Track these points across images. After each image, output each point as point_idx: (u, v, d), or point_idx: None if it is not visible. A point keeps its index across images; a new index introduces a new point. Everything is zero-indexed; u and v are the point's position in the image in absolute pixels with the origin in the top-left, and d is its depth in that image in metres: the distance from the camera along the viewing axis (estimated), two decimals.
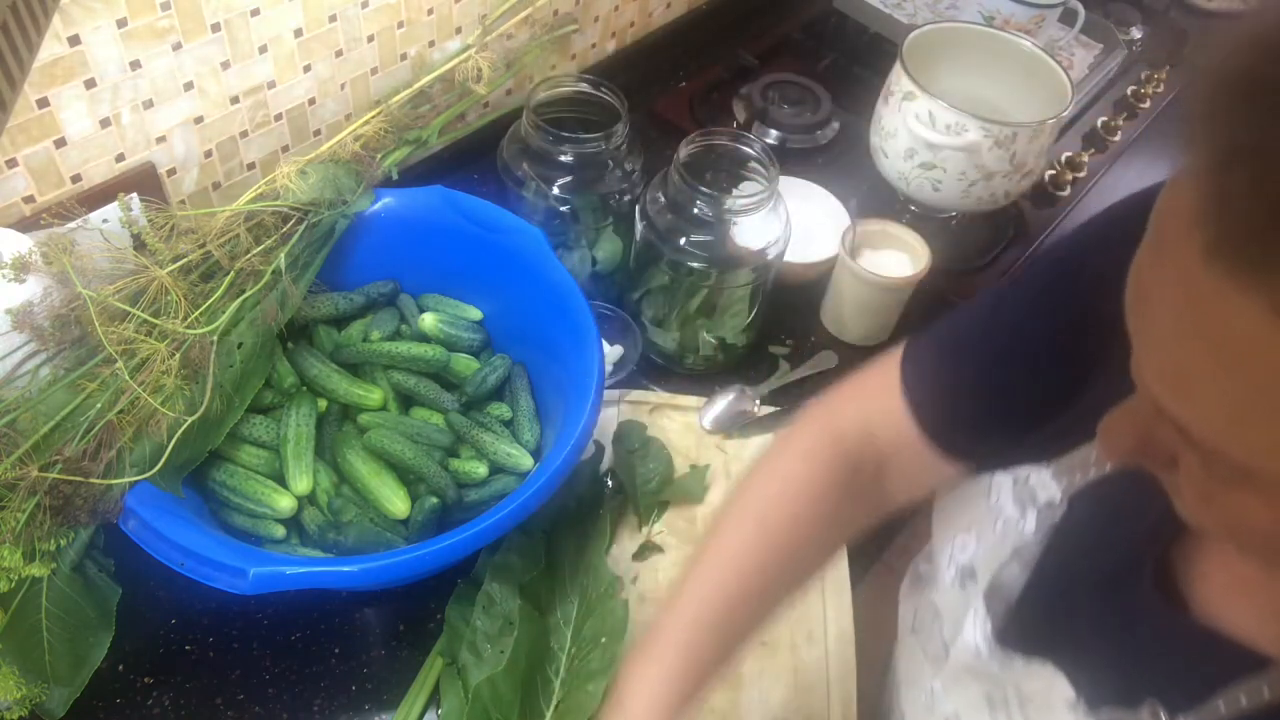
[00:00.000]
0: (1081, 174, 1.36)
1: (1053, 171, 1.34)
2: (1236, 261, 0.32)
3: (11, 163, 0.83)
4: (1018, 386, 0.60)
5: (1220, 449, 0.36)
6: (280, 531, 0.83)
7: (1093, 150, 1.40)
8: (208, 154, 0.97)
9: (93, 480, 0.71)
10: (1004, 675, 0.56)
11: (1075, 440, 0.56)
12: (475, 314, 0.99)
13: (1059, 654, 0.54)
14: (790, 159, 1.28)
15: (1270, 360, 0.32)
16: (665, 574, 0.89)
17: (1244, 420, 0.35)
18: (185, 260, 0.82)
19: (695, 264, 0.96)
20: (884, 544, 0.96)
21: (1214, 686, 0.46)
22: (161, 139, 0.92)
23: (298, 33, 0.96)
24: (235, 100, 0.95)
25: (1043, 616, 0.57)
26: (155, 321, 0.77)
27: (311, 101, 1.03)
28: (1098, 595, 0.54)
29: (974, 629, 0.58)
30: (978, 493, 0.61)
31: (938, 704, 0.61)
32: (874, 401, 0.67)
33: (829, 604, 0.88)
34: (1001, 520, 0.59)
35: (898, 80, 1.12)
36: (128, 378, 0.74)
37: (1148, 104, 1.49)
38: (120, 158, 0.90)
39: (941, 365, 0.64)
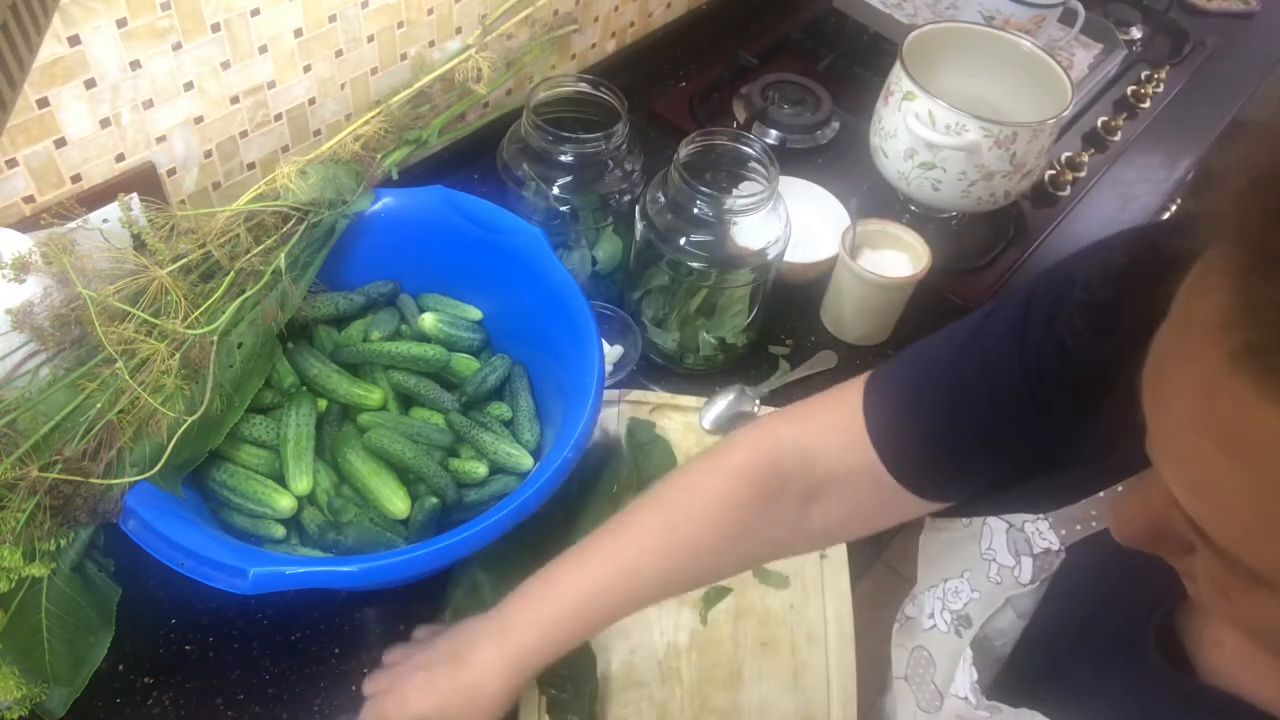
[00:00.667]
0: (1081, 174, 1.36)
1: (1053, 171, 1.34)
2: (1264, 371, 0.30)
3: (11, 163, 0.83)
4: (985, 428, 0.58)
5: (1238, 557, 0.35)
6: (280, 531, 0.83)
7: (1093, 150, 1.40)
8: (208, 154, 0.97)
9: (93, 480, 0.71)
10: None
11: (1074, 495, 0.55)
12: (475, 314, 0.99)
13: (1050, 707, 0.52)
14: (790, 159, 1.28)
15: None
16: None
17: (1263, 533, 0.33)
18: (185, 260, 0.82)
19: (695, 264, 0.96)
20: (884, 544, 0.96)
21: None
22: (161, 139, 0.92)
23: (298, 33, 0.96)
24: (235, 100, 0.95)
25: (1037, 669, 0.56)
26: (155, 321, 0.77)
27: (311, 101, 1.03)
28: (1097, 652, 0.53)
29: (964, 677, 0.57)
30: (967, 537, 0.60)
31: None
32: (823, 432, 0.64)
33: (829, 604, 0.88)
34: (996, 566, 0.58)
35: (898, 80, 1.12)
36: (128, 378, 0.74)
37: (1148, 104, 1.49)
38: (120, 158, 0.90)
39: (905, 401, 0.61)
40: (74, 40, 0.80)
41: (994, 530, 0.58)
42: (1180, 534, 0.38)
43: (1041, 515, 0.56)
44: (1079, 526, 0.54)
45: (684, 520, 0.66)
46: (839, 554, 0.92)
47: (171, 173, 0.95)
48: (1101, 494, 0.54)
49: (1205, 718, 0.47)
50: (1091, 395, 0.49)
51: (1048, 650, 0.56)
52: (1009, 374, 0.56)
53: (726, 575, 0.73)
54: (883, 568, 0.96)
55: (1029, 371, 0.55)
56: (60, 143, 0.85)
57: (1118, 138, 1.43)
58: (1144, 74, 1.53)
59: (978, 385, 0.58)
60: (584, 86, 1.07)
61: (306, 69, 0.99)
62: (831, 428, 0.64)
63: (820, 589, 0.89)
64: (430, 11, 1.07)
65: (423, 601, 0.85)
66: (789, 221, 0.98)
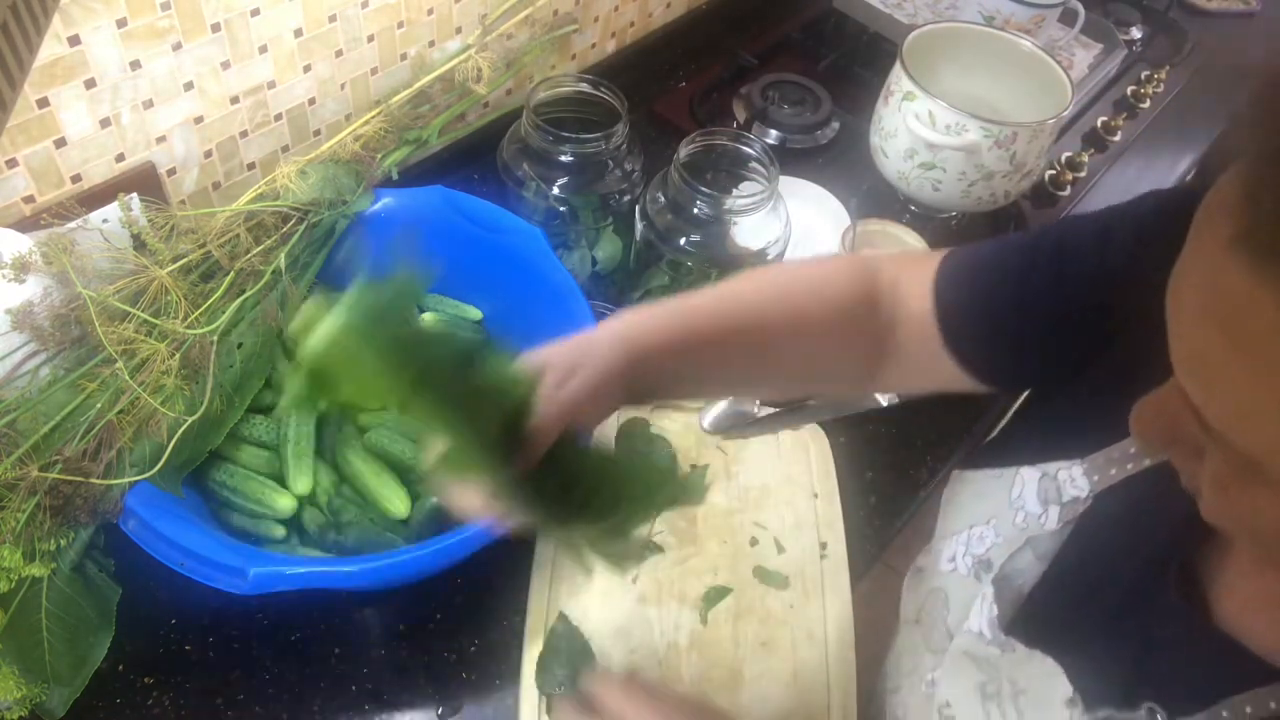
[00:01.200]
0: (1081, 174, 1.36)
1: (1053, 171, 1.34)
2: (1259, 252, 0.33)
3: (11, 163, 0.83)
4: (1041, 322, 0.61)
5: (1230, 439, 0.37)
6: (280, 531, 0.83)
7: (1093, 150, 1.40)
8: (208, 154, 0.97)
9: (93, 480, 0.71)
10: (1002, 662, 0.56)
11: (1110, 436, 0.57)
12: (475, 314, 0.99)
13: (1062, 647, 0.54)
14: (790, 159, 1.28)
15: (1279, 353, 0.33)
16: (665, 573, 0.89)
17: (1253, 412, 0.36)
18: (185, 260, 0.82)
19: (695, 264, 0.96)
20: (884, 544, 0.96)
21: (1221, 693, 0.46)
22: (161, 139, 0.92)
23: (298, 33, 0.96)
24: (235, 100, 0.95)
25: (1054, 608, 0.57)
26: (155, 321, 0.77)
27: (311, 101, 1.03)
28: (1116, 593, 0.54)
29: (980, 614, 0.59)
30: (998, 487, 0.62)
31: (935, 694, 0.62)
32: (910, 275, 0.68)
33: (829, 604, 0.88)
34: (1023, 514, 0.59)
35: (898, 80, 1.12)
36: (128, 378, 0.74)
37: (1148, 104, 1.49)
38: (120, 158, 0.90)
39: (975, 277, 0.65)
40: (74, 40, 0.80)
41: (1026, 480, 0.60)
42: (1191, 435, 0.41)
43: (1077, 460, 0.58)
44: (1113, 470, 0.56)
45: (800, 292, 0.67)
46: (839, 554, 0.92)
47: (171, 173, 0.95)
48: (1134, 446, 0.56)
49: (1210, 661, 0.49)
50: (1144, 320, 0.49)
51: (1066, 592, 0.57)
52: (1080, 278, 0.59)
53: (812, 374, 0.71)
54: (883, 568, 0.96)
55: (1097, 277, 0.58)
56: (60, 143, 0.85)
57: (1118, 138, 1.43)
58: (1144, 74, 1.53)
59: (1047, 273, 0.61)
60: (584, 86, 1.07)
61: (306, 69, 0.99)
62: (916, 276, 0.67)
63: (820, 589, 0.89)
64: (430, 11, 1.07)
65: (423, 601, 0.85)
66: (789, 221, 0.98)
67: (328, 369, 0.45)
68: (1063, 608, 0.57)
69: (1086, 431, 0.58)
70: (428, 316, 0.95)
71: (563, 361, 0.59)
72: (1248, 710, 0.46)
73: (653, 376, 0.62)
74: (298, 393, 0.47)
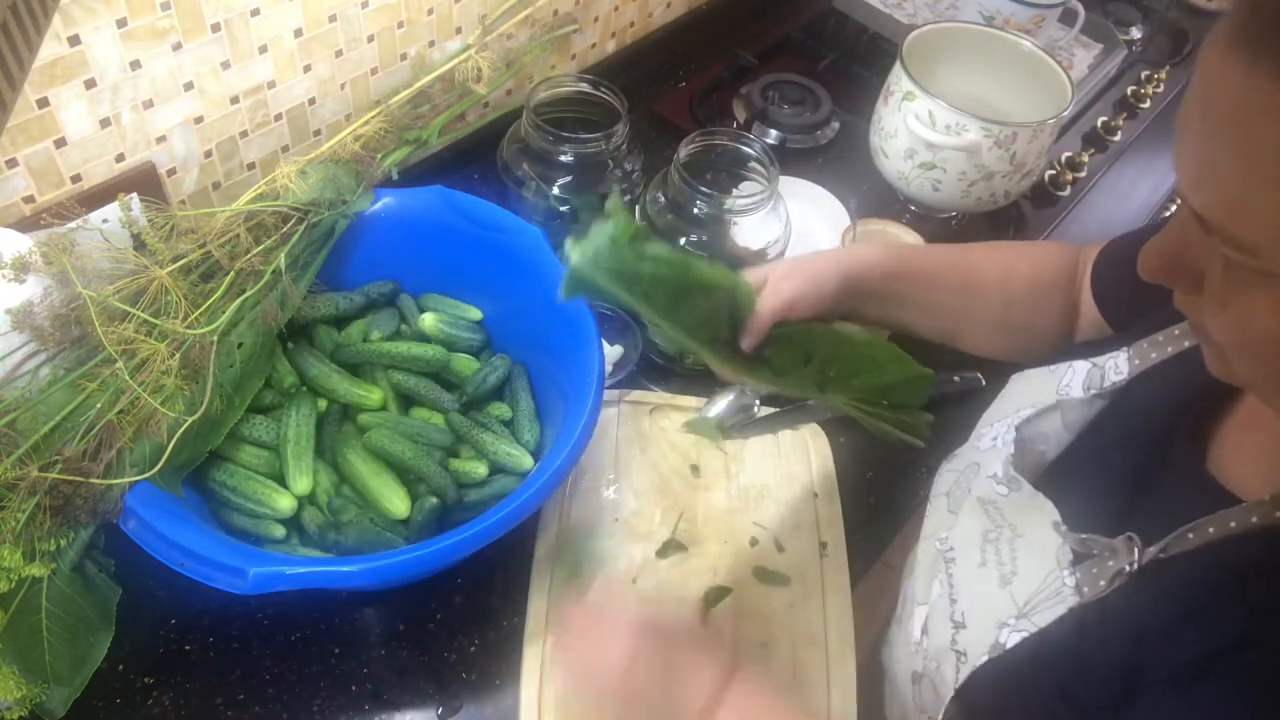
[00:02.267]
0: (1081, 174, 1.36)
1: (1053, 171, 1.34)
2: (1252, 44, 0.39)
3: (11, 163, 0.83)
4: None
5: (1232, 232, 0.42)
6: (280, 531, 0.83)
7: (1093, 150, 1.40)
8: (208, 154, 0.97)
9: (93, 480, 0.71)
10: (1006, 505, 0.63)
11: (1161, 324, 0.64)
12: (475, 314, 0.99)
13: (1068, 492, 0.60)
14: (790, 159, 1.28)
15: (1273, 133, 0.39)
16: (665, 573, 0.89)
17: (1250, 198, 0.41)
18: (185, 260, 0.82)
19: None
20: (884, 544, 0.96)
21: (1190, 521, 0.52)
22: (161, 139, 0.92)
23: (298, 33, 0.96)
24: (235, 100, 0.95)
25: (1070, 465, 0.64)
26: (155, 321, 0.77)
27: (311, 101, 1.03)
28: (1127, 448, 0.60)
29: (998, 458, 0.65)
30: (1050, 379, 0.68)
31: (944, 544, 0.67)
32: (1090, 254, 0.79)
33: (829, 604, 0.88)
34: (1058, 399, 0.66)
35: (898, 80, 1.12)
36: (128, 378, 0.74)
37: (1148, 104, 1.49)
38: (120, 158, 0.90)
39: (1116, 258, 0.77)
40: (74, 40, 0.80)
41: (1076, 370, 0.67)
42: (1192, 263, 0.47)
43: (1123, 349, 0.65)
44: (1154, 354, 0.64)
45: (1010, 250, 0.81)
46: (839, 554, 0.92)
47: (171, 173, 0.95)
48: (1177, 329, 0.63)
49: (1194, 499, 0.54)
50: None
51: (1084, 452, 0.64)
52: None
53: (1009, 323, 0.81)
54: (883, 568, 0.96)
55: None
56: (60, 143, 0.85)
57: (1118, 138, 1.43)
58: (1144, 74, 1.53)
59: None
60: (584, 86, 1.07)
61: (306, 69, 0.99)
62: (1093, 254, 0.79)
63: (820, 589, 0.89)
64: (430, 11, 1.07)
65: (423, 601, 0.85)
66: (789, 221, 0.98)
67: (593, 274, 0.61)
68: (1083, 464, 0.63)
69: (1142, 326, 0.66)
70: (428, 317, 0.95)
71: (782, 269, 0.72)
72: (1210, 530, 0.52)
73: (862, 295, 0.75)
74: (567, 288, 0.62)
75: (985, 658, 0.58)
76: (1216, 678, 0.48)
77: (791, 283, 0.71)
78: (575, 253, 0.60)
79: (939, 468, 0.78)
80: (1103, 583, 0.54)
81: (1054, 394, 0.67)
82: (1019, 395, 0.71)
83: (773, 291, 0.70)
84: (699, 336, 0.66)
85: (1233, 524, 0.51)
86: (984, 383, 1.04)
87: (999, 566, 0.60)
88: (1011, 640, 0.57)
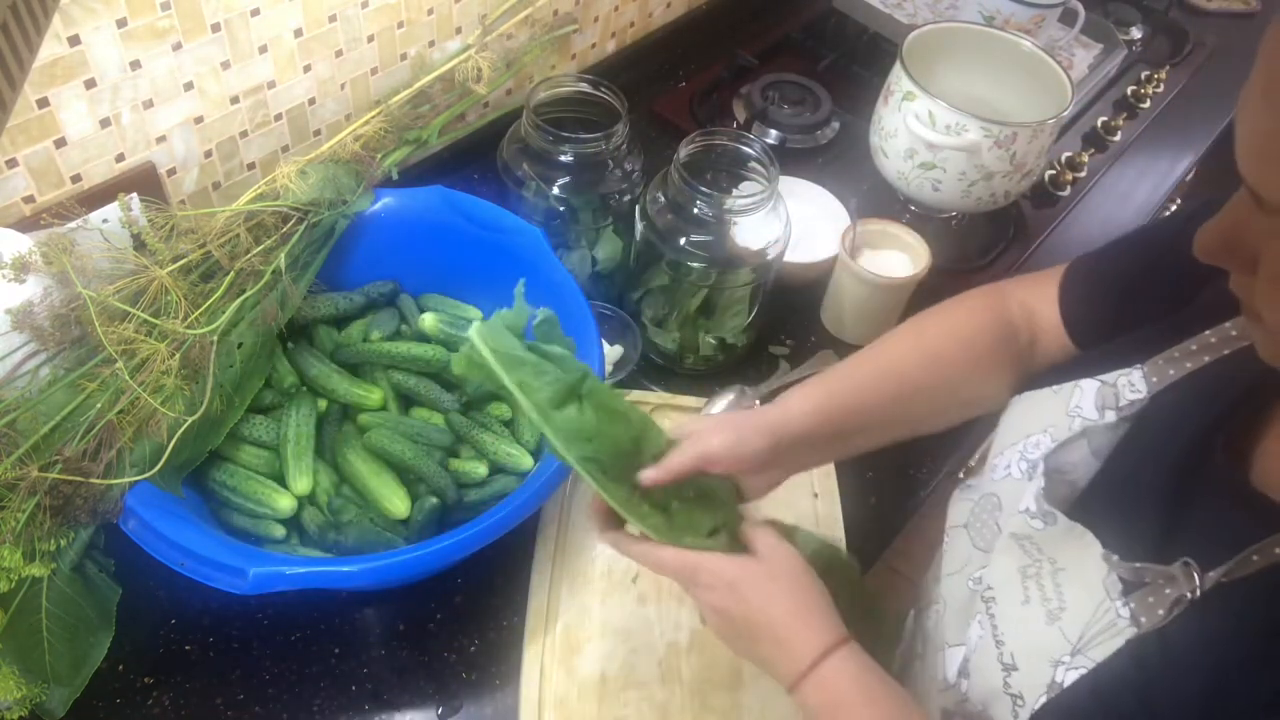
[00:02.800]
0: (1081, 174, 1.36)
1: (1053, 171, 1.34)
2: None
3: (11, 163, 0.83)
4: (1154, 297, 0.67)
5: None
6: (280, 531, 0.83)
7: (1093, 150, 1.40)
8: (208, 154, 0.97)
9: (93, 480, 0.71)
10: (1043, 539, 0.60)
11: (1172, 339, 0.62)
12: (475, 314, 0.99)
13: (1102, 520, 0.58)
14: (790, 159, 1.28)
15: None
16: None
17: None
18: (185, 260, 0.82)
19: (695, 264, 0.96)
20: (884, 544, 0.96)
21: (1251, 543, 0.50)
22: (161, 139, 0.92)
23: (298, 33, 0.96)
24: (235, 100, 0.95)
25: (1103, 491, 0.62)
26: (155, 321, 0.77)
27: (311, 101, 1.03)
28: (1162, 466, 0.58)
29: (1029, 494, 0.63)
30: (1057, 400, 0.66)
31: (980, 587, 0.65)
32: (1040, 291, 0.76)
33: None
34: (1079, 420, 0.64)
35: (898, 80, 1.12)
36: (128, 378, 0.74)
37: (1148, 104, 1.49)
38: (120, 158, 0.90)
39: (1095, 278, 0.74)
40: (74, 40, 0.80)
41: (1084, 389, 0.65)
42: (1247, 244, 0.46)
43: (1137, 365, 0.63)
44: (1171, 370, 0.61)
45: (932, 328, 0.77)
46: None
47: (171, 173, 0.95)
48: (1194, 344, 0.61)
49: (1243, 516, 0.52)
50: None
51: (1117, 477, 0.62)
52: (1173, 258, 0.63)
53: (948, 411, 0.78)
54: (882, 567, 0.96)
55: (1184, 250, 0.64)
56: (60, 143, 0.85)
57: (1118, 138, 1.43)
58: (1144, 74, 1.53)
59: (1163, 261, 0.68)
60: (584, 86, 1.07)
61: (306, 69, 0.99)
62: (1043, 293, 0.76)
63: None
64: (430, 11, 1.07)
65: (423, 601, 0.85)
66: (789, 221, 0.98)
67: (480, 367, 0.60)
68: (1111, 490, 0.61)
69: (1148, 340, 0.64)
70: (428, 317, 0.95)
71: (710, 423, 0.70)
72: (1277, 551, 0.49)
73: (797, 448, 0.71)
74: (460, 373, 0.61)
75: (1043, 698, 0.55)
76: None
77: (718, 436, 0.68)
78: (472, 330, 0.60)
79: (951, 495, 0.76)
80: (1161, 611, 0.52)
81: (1064, 416, 0.65)
82: (1026, 419, 0.68)
83: (698, 438, 0.68)
84: (576, 449, 0.61)
85: None
86: None
87: (1044, 603, 0.58)
88: (1069, 679, 0.54)
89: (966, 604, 0.67)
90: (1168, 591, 0.52)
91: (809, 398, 0.73)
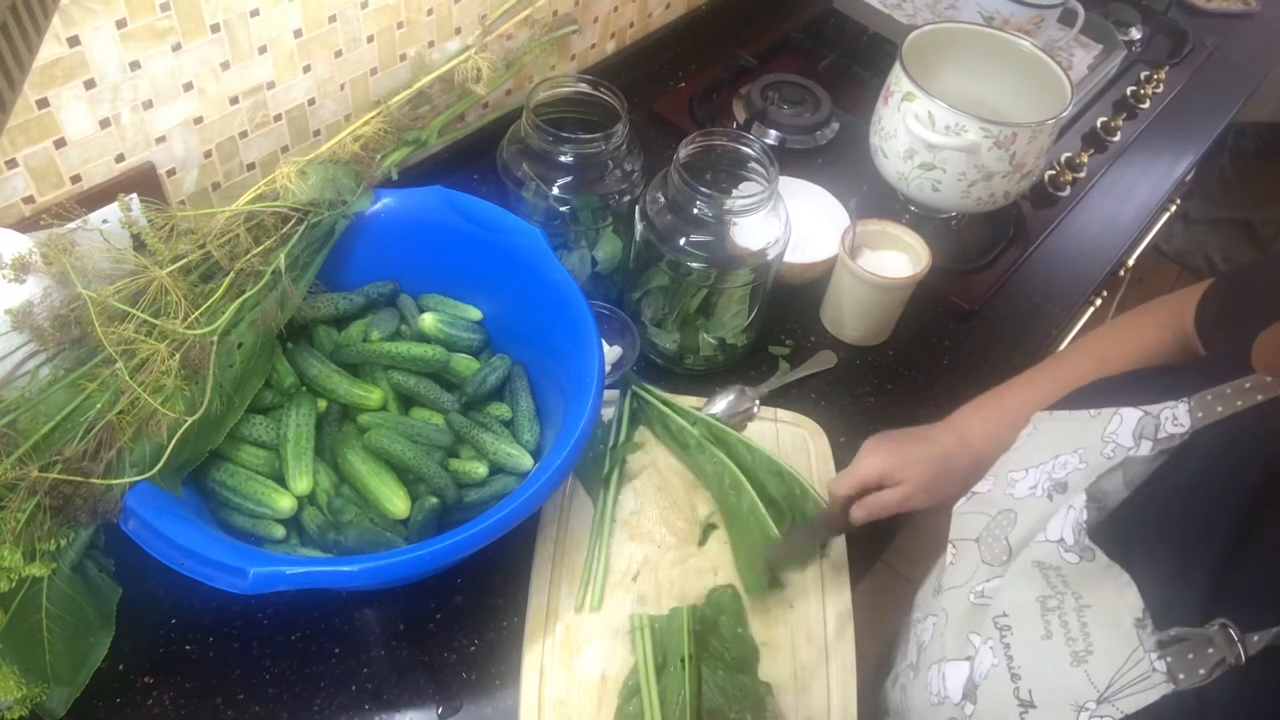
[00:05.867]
0: (1081, 174, 1.36)
1: (1052, 171, 1.34)
2: None
3: (11, 163, 0.83)
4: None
5: None
6: (280, 531, 0.83)
7: (1092, 150, 1.40)
8: (207, 154, 0.97)
9: (93, 480, 0.71)
10: (1073, 573, 0.59)
11: (1218, 377, 0.61)
12: (475, 314, 0.99)
13: (1141, 563, 0.56)
14: (790, 159, 1.28)
15: None
16: (665, 573, 0.89)
17: None
18: (185, 261, 0.82)
19: (695, 264, 0.96)
20: (884, 544, 0.96)
21: None
22: (161, 139, 0.92)
23: (297, 33, 0.96)
24: (235, 100, 0.96)
25: (1138, 523, 0.60)
26: (155, 322, 0.77)
27: (311, 102, 1.03)
28: (1204, 514, 0.56)
29: (1064, 521, 0.61)
30: (1094, 424, 0.65)
31: (990, 606, 0.63)
32: (1192, 301, 0.77)
33: (829, 604, 0.88)
34: (1113, 446, 0.63)
35: (897, 80, 1.12)
36: (128, 378, 0.74)
37: (1147, 104, 1.49)
38: (120, 158, 0.90)
39: (1221, 298, 0.75)
40: (74, 40, 0.80)
41: (1124, 418, 0.63)
42: None
43: (1182, 400, 0.61)
44: (1219, 408, 0.59)
45: (1115, 357, 0.79)
46: (839, 553, 0.92)
47: (171, 173, 0.95)
48: (1249, 382, 0.59)
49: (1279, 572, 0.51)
50: None
51: (1153, 511, 0.60)
52: None
53: None
54: (883, 567, 0.96)
55: None
56: (60, 143, 0.85)
57: (1117, 138, 1.43)
58: (1144, 74, 1.53)
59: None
60: (584, 86, 1.07)
61: (306, 69, 0.99)
62: (1192, 301, 0.77)
63: (820, 588, 0.89)
64: (430, 12, 1.07)
65: (423, 601, 0.85)
66: (789, 221, 0.98)
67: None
68: (1147, 525, 0.59)
69: (1194, 374, 0.63)
70: (428, 317, 0.95)
71: (885, 447, 0.85)
72: None
73: (969, 474, 0.78)
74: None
75: None
76: None
77: (872, 460, 0.84)
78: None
79: (957, 504, 0.75)
80: (1202, 671, 0.50)
81: (1099, 440, 0.63)
82: (1058, 439, 0.67)
83: (853, 469, 0.85)
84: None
85: None
86: None
87: (1069, 642, 0.56)
88: None
89: (967, 618, 0.65)
90: (1210, 651, 0.50)
91: (985, 420, 0.82)
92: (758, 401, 1.03)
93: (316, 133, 1.06)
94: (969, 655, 0.63)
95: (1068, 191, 1.33)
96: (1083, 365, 0.81)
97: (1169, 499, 0.59)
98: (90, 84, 0.83)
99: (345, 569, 0.70)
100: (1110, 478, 0.61)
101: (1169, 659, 0.51)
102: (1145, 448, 0.61)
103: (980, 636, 0.62)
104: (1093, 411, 0.65)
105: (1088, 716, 0.53)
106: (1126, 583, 0.55)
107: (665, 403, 1.00)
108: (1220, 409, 0.59)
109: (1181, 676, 0.51)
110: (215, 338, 0.79)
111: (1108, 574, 0.56)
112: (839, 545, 0.92)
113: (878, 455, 0.84)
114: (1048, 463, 0.66)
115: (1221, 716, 0.50)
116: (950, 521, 0.73)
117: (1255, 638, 0.49)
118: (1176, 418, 0.60)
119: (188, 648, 0.81)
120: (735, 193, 0.97)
